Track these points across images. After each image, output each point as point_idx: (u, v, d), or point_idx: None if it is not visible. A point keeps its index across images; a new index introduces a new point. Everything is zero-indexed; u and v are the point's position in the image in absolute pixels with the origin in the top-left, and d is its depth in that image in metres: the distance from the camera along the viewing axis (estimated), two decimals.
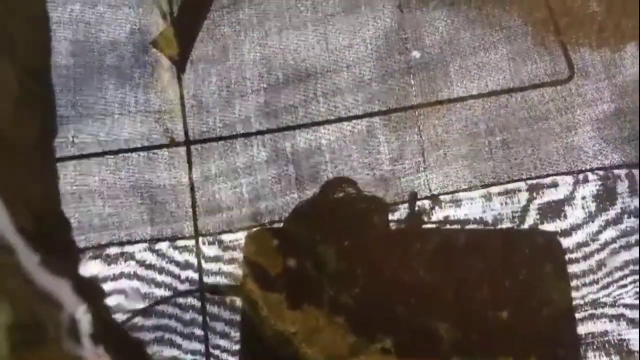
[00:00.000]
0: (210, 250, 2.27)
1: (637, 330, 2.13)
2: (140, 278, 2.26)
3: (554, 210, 2.24)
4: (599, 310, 2.17)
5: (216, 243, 2.28)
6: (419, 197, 2.27)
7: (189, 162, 2.36)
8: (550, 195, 2.26)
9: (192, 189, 2.33)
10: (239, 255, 2.25)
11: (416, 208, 2.26)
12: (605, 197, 2.24)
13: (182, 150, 2.37)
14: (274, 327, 2.03)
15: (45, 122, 2.31)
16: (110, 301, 2.21)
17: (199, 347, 2.19)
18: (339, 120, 2.36)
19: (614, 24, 2.33)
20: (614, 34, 2.33)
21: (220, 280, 2.23)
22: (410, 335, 2.06)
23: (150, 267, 2.27)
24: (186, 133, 2.38)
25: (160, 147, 2.37)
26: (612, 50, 2.33)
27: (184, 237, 2.29)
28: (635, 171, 2.24)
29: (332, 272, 2.12)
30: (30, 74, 2.33)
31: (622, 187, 2.24)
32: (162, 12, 2.49)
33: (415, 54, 2.40)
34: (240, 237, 2.27)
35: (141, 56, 2.46)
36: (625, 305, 2.16)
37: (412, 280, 2.12)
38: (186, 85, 2.43)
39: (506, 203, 2.26)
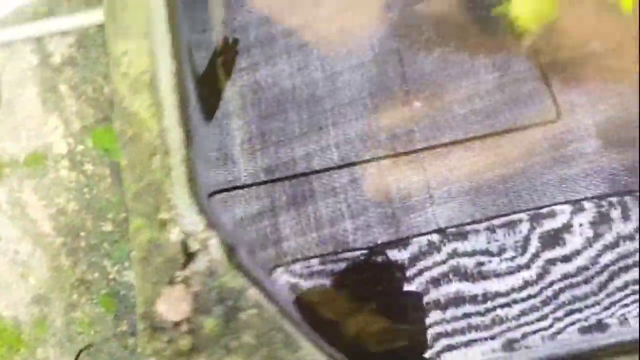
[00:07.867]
0: None
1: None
2: None
3: (554, 238, 2.43)
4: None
5: None
6: (428, 230, 2.48)
7: None
8: (550, 224, 2.45)
9: None
10: None
11: (426, 242, 2.46)
12: (601, 223, 2.42)
13: None
14: None
15: None
16: None
17: None
18: (352, 164, 2.60)
19: (599, 64, 2.58)
20: (599, 74, 2.58)
21: None
22: None
23: None
24: None
25: None
26: (597, 90, 2.57)
27: None
28: (627, 198, 2.43)
29: None
30: None
31: (616, 213, 2.42)
32: None
33: (417, 104, 2.67)
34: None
35: None
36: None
37: None
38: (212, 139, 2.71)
39: (509, 234, 2.45)
